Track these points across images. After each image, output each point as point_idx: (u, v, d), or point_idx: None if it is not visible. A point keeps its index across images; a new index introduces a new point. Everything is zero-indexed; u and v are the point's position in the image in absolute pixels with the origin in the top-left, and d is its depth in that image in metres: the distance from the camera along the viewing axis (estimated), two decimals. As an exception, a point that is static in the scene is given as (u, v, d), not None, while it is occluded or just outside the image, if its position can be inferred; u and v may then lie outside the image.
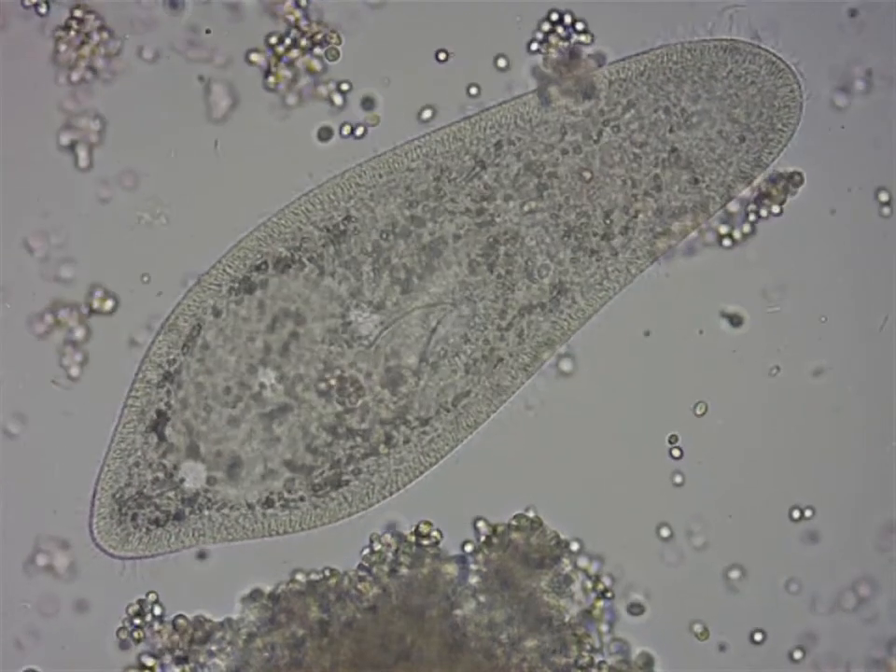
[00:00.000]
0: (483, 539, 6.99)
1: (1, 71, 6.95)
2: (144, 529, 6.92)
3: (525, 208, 6.84)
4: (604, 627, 7.00)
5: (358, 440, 6.86)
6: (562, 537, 6.98)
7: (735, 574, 7.09)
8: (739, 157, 6.94)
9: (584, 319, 6.97)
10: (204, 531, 6.94)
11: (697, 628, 7.04)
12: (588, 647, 6.93)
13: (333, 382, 6.75)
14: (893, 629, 7.12)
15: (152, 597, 6.96)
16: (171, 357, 6.85)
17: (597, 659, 6.97)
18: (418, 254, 6.84)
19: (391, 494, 6.96)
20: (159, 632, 6.96)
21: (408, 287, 6.84)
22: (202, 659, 6.96)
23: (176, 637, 6.95)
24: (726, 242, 7.04)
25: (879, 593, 7.10)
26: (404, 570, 6.92)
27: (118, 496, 6.90)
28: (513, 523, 6.98)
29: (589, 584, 6.99)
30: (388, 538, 6.98)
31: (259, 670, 6.88)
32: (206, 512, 6.90)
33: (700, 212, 6.89)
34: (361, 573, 6.95)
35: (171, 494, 6.87)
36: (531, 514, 7.01)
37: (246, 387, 6.85)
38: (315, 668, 6.81)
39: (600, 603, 7.00)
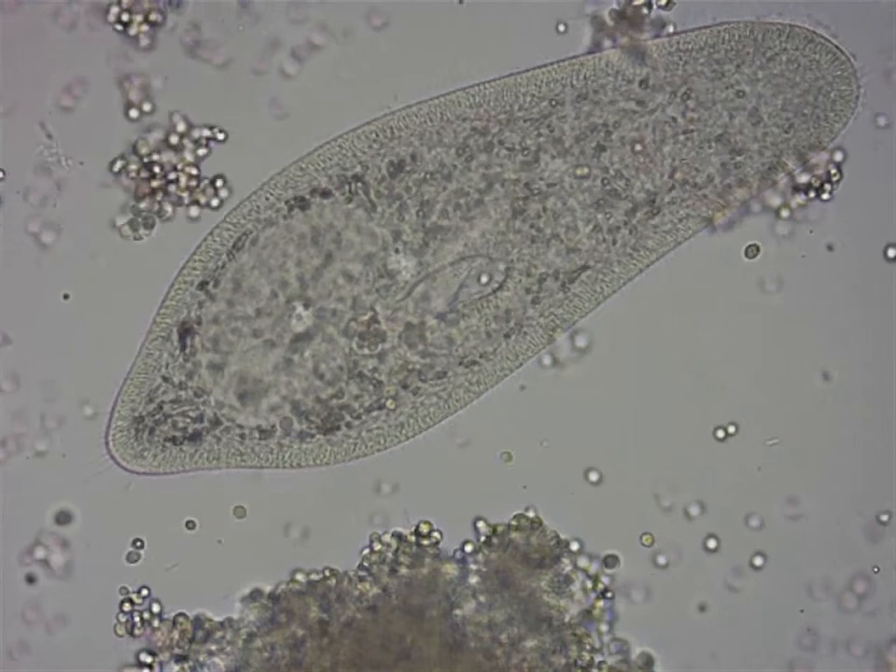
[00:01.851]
0: (482, 538, 6.99)
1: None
2: (160, 446, 6.92)
3: (579, 172, 6.83)
4: (604, 627, 7.00)
5: (371, 388, 6.87)
6: (562, 537, 6.99)
7: (737, 582, 7.11)
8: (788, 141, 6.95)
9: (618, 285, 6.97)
10: (219, 455, 6.94)
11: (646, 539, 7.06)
12: (588, 647, 6.94)
13: (362, 323, 6.72)
14: (893, 628, 7.14)
15: (144, 592, 6.97)
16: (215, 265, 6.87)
17: (597, 659, 6.97)
18: (464, 202, 6.83)
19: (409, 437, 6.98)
20: (158, 630, 6.97)
21: (448, 236, 6.84)
22: (201, 658, 6.96)
23: (176, 635, 6.96)
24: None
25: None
26: (404, 570, 6.92)
27: (137, 410, 6.91)
28: (513, 523, 6.98)
29: (589, 584, 7.00)
30: (388, 537, 6.98)
31: (259, 670, 6.88)
32: (224, 437, 6.90)
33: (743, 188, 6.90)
34: (361, 573, 6.95)
35: (191, 413, 6.87)
36: (531, 514, 7.01)
37: (277, 313, 6.85)
38: (315, 668, 6.81)
39: (600, 603, 7.00)
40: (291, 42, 6.99)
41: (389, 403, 6.87)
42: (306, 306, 6.83)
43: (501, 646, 6.85)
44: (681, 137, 6.87)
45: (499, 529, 6.99)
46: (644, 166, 6.84)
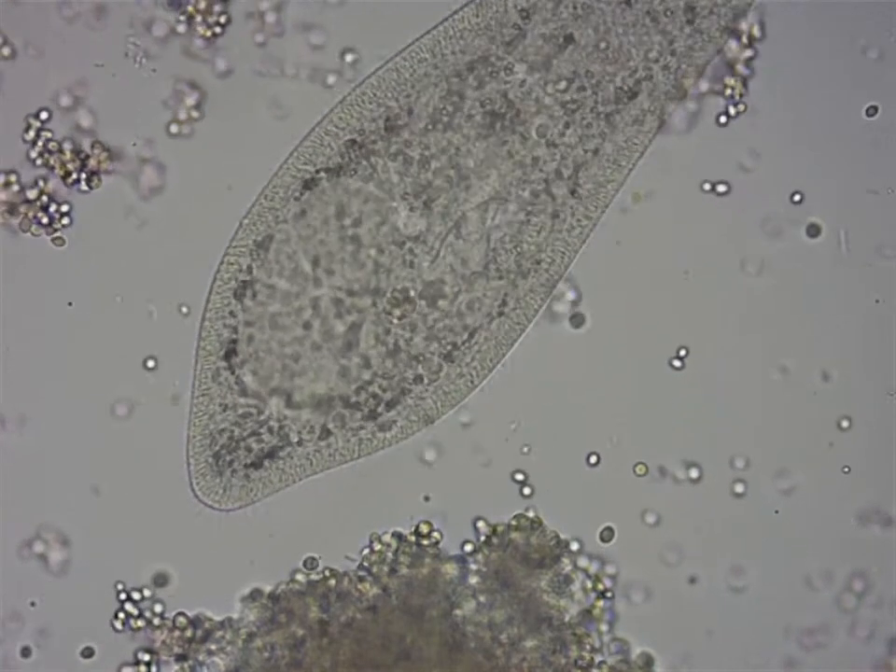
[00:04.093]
0: (482, 538, 6.99)
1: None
2: (242, 475, 6.92)
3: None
4: (604, 627, 7.01)
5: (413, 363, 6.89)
6: (562, 537, 6.99)
7: (739, 582, 7.11)
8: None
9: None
10: (303, 464, 6.94)
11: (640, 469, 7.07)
12: (588, 647, 6.94)
13: (398, 294, 6.70)
14: (893, 627, 7.15)
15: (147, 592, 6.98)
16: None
17: (597, 659, 6.98)
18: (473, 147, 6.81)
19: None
20: (158, 628, 6.97)
21: (462, 184, 6.82)
22: (201, 658, 6.96)
23: (176, 634, 6.96)
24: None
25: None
26: (404, 570, 6.92)
27: (211, 447, 6.90)
28: (513, 523, 6.98)
29: (589, 584, 7.00)
30: (388, 537, 6.98)
31: (259, 670, 6.88)
32: (299, 447, 6.90)
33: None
34: (361, 573, 6.95)
35: (259, 431, 6.86)
36: (531, 514, 7.01)
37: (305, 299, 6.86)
38: (315, 668, 6.81)
39: (600, 603, 7.00)
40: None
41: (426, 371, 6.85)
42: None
43: (501, 646, 6.85)
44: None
45: (499, 529, 6.99)
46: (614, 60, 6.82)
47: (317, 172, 6.83)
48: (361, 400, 6.87)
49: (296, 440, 6.87)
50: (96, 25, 6.93)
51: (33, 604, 6.98)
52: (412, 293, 6.77)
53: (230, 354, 6.85)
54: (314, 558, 6.94)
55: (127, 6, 6.93)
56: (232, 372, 6.86)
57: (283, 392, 6.87)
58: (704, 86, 6.97)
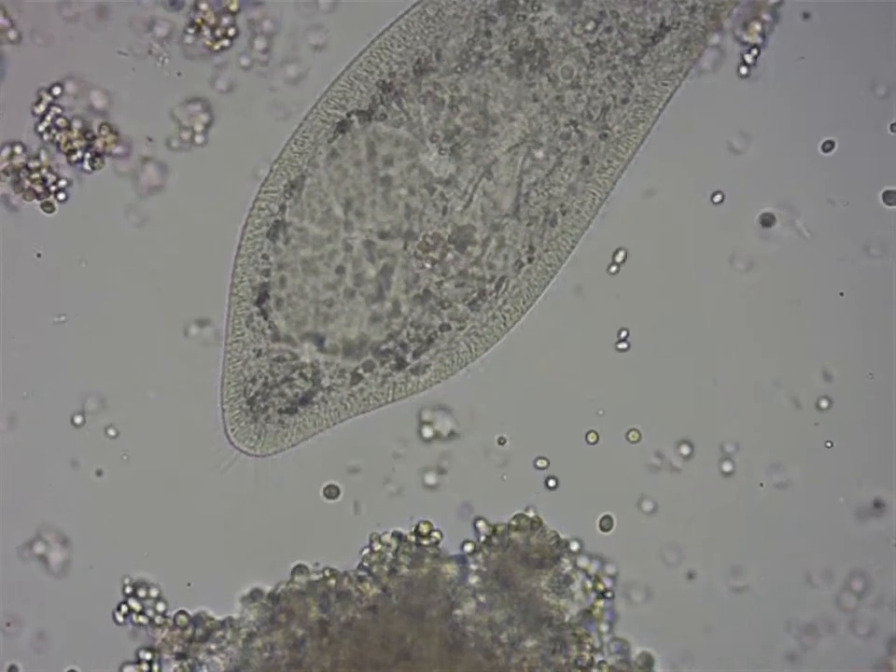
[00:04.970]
0: (482, 538, 6.99)
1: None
2: (276, 421, 6.93)
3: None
4: (604, 627, 7.01)
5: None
6: (562, 537, 6.99)
7: (739, 582, 7.12)
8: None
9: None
10: (337, 409, 6.94)
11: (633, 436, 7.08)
12: (588, 647, 6.94)
13: (429, 240, 6.69)
14: (893, 627, 7.15)
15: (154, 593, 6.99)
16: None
17: (597, 659, 6.98)
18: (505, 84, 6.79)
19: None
20: (159, 626, 6.98)
21: (492, 128, 6.80)
22: (200, 657, 6.96)
23: (177, 632, 6.96)
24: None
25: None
26: (404, 570, 6.92)
27: (245, 393, 6.90)
28: (513, 523, 6.98)
29: (589, 584, 7.00)
30: (388, 537, 6.98)
31: (259, 670, 6.89)
32: (332, 391, 6.90)
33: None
34: (361, 573, 6.95)
35: (293, 376, 6.85)
36: (531, 514, 7.01)
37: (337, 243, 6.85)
38: (315, 668, 6.81)
39: (600, 603, 7.00)
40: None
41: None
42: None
43: (501, 646, 6.85)
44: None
45: (499, 529, 6.99)
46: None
47: (348, 115, 6.81)
48: (391, 348, 6.86)
49: (327, 385, 6.86)
50: (96, 25, 6.94)
51: (8, 624, 7.00)
52: (442, 238, 6.73)
53: (262, 298, 6.84)
54: (335, 487, 6.96)
55: (128, 5, 6.93)
56: (265, 317, 6.85)
57: (315, 337, 6.86)
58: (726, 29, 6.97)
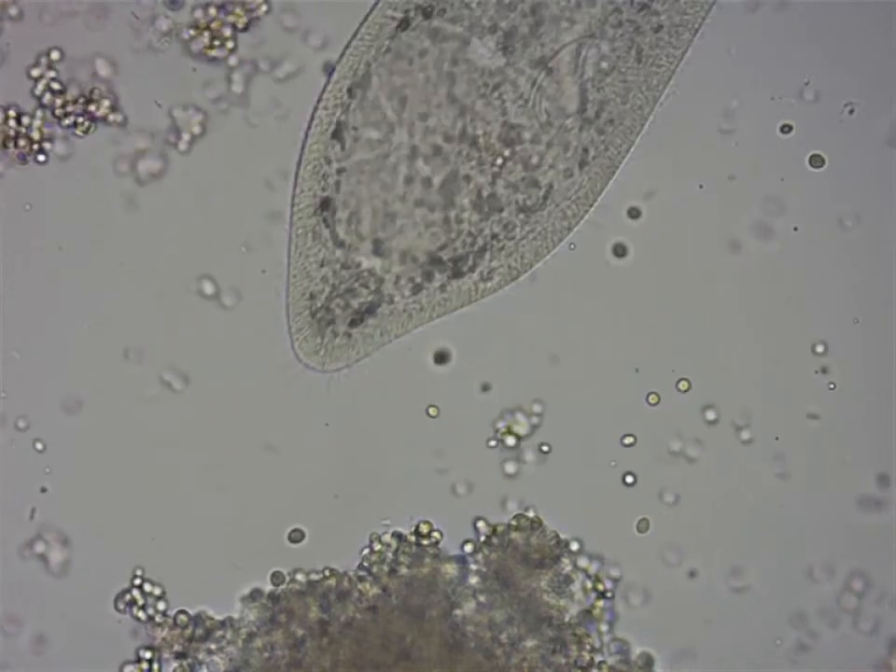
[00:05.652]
0: (482, 538, 6.99)
1: None
2: (345, 334, 6.90)
3: None
4: (604, 627, 7.01)
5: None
6: (562, 537, 6.99)
7: (739, 583, 7.12)
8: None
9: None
10: (402, 318, 6.91)
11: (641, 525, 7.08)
12: (588, 647, 6.94)
13: (490, 140, 6.65)
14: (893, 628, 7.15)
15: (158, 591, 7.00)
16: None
17: (597, 659, 6.98)
18: None
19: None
20: (159, 625, 6.98)
21: (551, 26, 6.75)
22: (200, 657, 6.97)
23: (177, 631, 6.97)
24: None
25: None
26: (404, 570, 6.93)
27: (310, 307, 6.87)
28: (513, 523, 6.99)
29: (589, 584, 7.00)
30: (388, 537, 6.98)
31: (259, 670, 6.89)
32: (396, 299, 6.87)
33: None
34: (361, 573, 6.95)
35: (356, 286, 6.80)
36: (531, 514, 7.01)
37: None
38: (315, 668, 6.82)
39: (600, 603, 7.00)
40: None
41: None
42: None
43: (501, 646, 6.86)
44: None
45: (499, 529, 6.99)
46: None
47: (407, 12, 6.75)
48: (448, 257, 6.80)
49: (390, 293, 6.83)
50: (95, 25, 6.94)
51: None
52: (502, 138, 6.68)
53: (325, 204, 6.80)
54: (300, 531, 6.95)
55: (128, 5, 6.93)
56: (327, 226, 6.83)
57: (378, 244, 6.81)
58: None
